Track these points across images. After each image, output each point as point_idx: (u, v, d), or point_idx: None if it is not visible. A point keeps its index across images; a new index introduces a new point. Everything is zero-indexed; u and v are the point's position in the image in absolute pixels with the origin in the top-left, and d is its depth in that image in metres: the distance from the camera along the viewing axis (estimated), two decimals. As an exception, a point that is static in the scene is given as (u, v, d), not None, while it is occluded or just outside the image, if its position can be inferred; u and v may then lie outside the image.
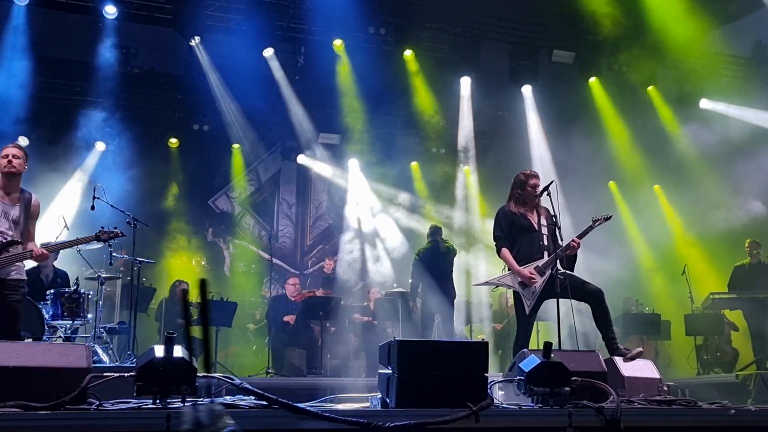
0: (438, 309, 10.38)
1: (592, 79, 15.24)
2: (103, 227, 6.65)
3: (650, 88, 15.66)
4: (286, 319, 10.77)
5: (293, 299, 11.33)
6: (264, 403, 4.01)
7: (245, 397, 4.35)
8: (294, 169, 15.35)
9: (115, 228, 6.80)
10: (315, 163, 15.12)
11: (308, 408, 3.96)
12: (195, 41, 12.85)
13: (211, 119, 13.88)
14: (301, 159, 15.01)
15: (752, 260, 10.84)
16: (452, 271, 10.54)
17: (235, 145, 14.53)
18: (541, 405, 4.40)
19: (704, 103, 15.29)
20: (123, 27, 12.64)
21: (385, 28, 13.32)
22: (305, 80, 14.50)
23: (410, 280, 10.91)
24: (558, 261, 6.32)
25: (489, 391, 4.46)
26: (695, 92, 15.45)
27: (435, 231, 10.80)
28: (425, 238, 11.10)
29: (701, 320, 11.42)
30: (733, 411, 4.52)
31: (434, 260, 10.40)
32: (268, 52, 13.39)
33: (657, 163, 14.83)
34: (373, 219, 15.42)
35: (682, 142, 14.67)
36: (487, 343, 4.57)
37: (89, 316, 8.22)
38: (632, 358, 5.94)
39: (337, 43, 13.90)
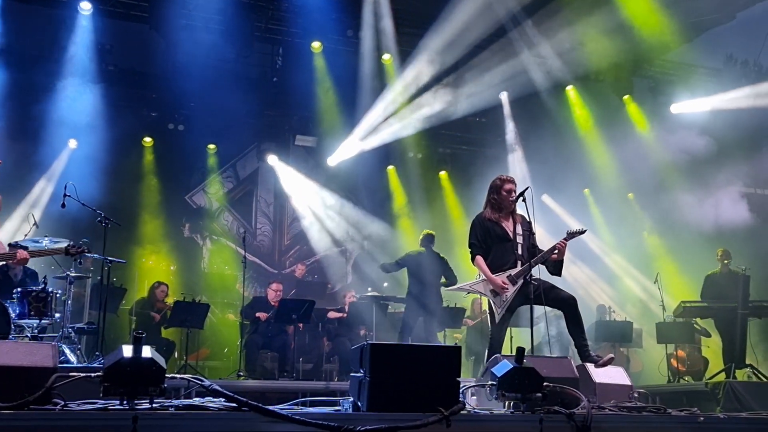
0: (421, 314, 10.37)
1: (569, 88, 15.36)
2: (71, 243, 6.59)
3: (626, 97, 15.83)
4: (258, 315, 10.71)
5: (273, 304, 11.26)
6: (234, 405, 3.96)
7: (215, 399, 4.29)
8: (272, 167, 15.21)
9: (82, 244, 6.76)
10: (281, 166, 14.95)
11: (279, 411, 3.92)
12: (170, 39, 12.74)
13: (187, 119, 13.77)
14: (272, 160, 14.86)
15: (723, 269, 10.95)
16: (440, 282, 10.49)
17: (211, 146, 14.42)
18: (512, 410, 4.40)
19: (675, 108, 15.51)
20: (98, 24, 12.50)
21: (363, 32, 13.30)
22: (283, 82, 14.46)
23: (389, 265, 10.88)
24: (542, 264, 6.35)
25: (461, 395, 4.44)
26: (669, 102, 15.65)
27: (427, 238, 10.78)
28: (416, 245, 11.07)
29: (672, 328, 11.53)
30: (701, 418, 4.56)
31: (422, 266, 10.39)
32: (244, 54, 13.32)
33: (632, 172, 14.96)
34: (347, 224, 15.39)
35: (656, 151, 14.82)
36: (459, 347, 4.57)
37: (57, 315, 8.09)
38: (604, 365, 5.96)
39: (316, 45, 13.88)
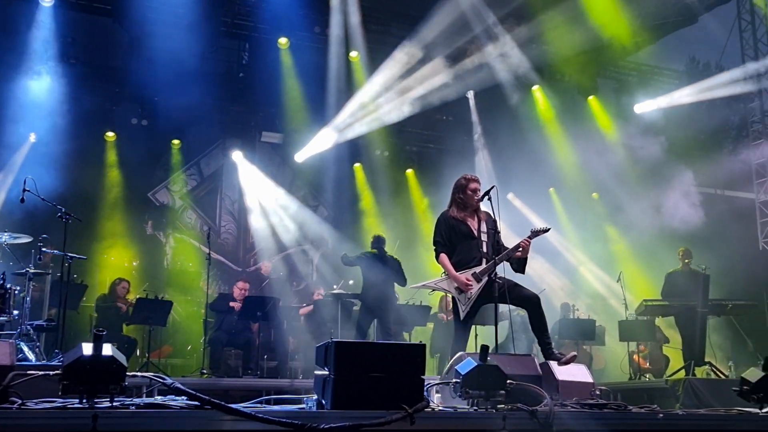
0: (375, 315, 10.41)
1: (535, 87, 15.48)
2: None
3: (591, 97, 16.01)
4: (232, 304, 10.65)
5: (239, 302, 11.19)
6: (196, 403, 3.92)
7: (177, 398, 4.24)
8: (237, 164, 15.06)
9: None
10: (244, 163, 14.79)
11: (241, 409, 3.89)
12: (135, 33, 12.57)
13: (151, 114, 13.60)
14: (236, 156, 14.72)
15: (684, 268, 11.11)
16: (395, 283, 10.55)
17: (175, 141, 14.26)
18: (476, 408, 4.41)
19: (638, 108, 15.74)
20: (60, 16, 12.27)
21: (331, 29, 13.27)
22: (249, 77, 14.36)
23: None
24: (506, 262, 6.38)
25: (426, 393, 4.45)
26: (632, 103, 15.88)
27: (378, 239, 10.81)
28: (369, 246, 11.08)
29: (634, 326, 11.68)
30: (661, 415, 4.62)
31: (374, 268, 10.41)
32: (211, 49, 13.21)
33: (596, 172, 15.13)
34: (313, 221, 15.34)
35: (619, 151, 15.01)
36: (424, 345, 4.56)
37: (15, 312, 7.93)
38: (566, 363, 6.01)
39: (283, 41, 13.80)
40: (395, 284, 10.55)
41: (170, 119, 13.36)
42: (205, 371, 9.84)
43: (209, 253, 10.58)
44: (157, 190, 14.52)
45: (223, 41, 13.83)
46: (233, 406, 3.90)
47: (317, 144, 14.62)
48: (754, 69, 14.74)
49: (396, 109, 14.40)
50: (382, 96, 14.28)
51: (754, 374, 5.03)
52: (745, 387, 5.02)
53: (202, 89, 12.95)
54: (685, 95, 15.41)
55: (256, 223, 14.66)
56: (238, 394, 8.23)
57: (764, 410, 4.94)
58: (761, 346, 13.68)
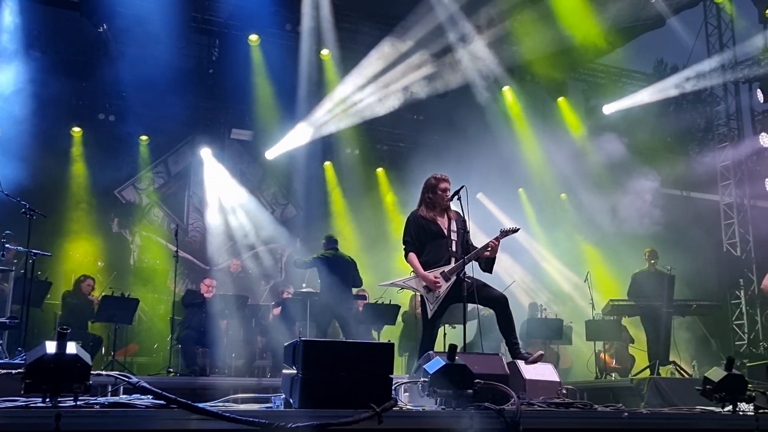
0: (334, 316, 10.42)
1: (505, 88, 15.58)
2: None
3: (560, 99, 16.16)
4: (207, 296, 10.58)
5: (205, 298, 11.09)
6: (162, 402, 3.88)
7: (143, 397, 4.20)
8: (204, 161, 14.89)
9: None
10: (211, 161, 14.61)
11: (208, 408, 3.85)
12: (103, 27, 12.41)
13: (118, 109, 13.43)
14: (205, 153, 14.57)
15: (650, 269, 11.24)
16: (351, 282, 10.58)
17: (143, 137, 14.09)
18: (444, 407, 4.42)
19: (607, 109, 15.92)
20: (26, 9, 12.08)
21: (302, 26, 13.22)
22: (219, 74, 14.25)
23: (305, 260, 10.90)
24: (475, 261, 6.41)
25: (394, 392, 4.45)
26: (601, 105, 16.05)
27: (331, 240, 10.81)
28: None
29: (601, 326, 11.80)
30: (626, 414, 4.67)
31: (332, 269, 10.41)
32: (180, 44, 13.08)
33: (565, 173, 15.26)
34: (269, 222, 15.28)
35: (588, 153, 15.16)
36: (392, 344, 4.56)
37: (-23, 310, 7.80)
38: (534, 362, 6.06)
39: (253, 38, 13.73)
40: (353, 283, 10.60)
41: (138, 115, 13.21)
42: (171, 370, 9.75)
43: (177, 252, 10.48)
44: (124, 187, 14.34)
45: (193, 37, 13.71)
46: (199, 405, 3.86)
47: (289, 141, 14.55)
48: (711, 65, 15.03)
49: (368, 108, 14.40)
50: (356, 94, 14.27)
51: (716, 374, 5.11)
52: (707, 386, 5.10)
53: (171, 85, 12.82)
54: (650, 94, 15.63)
55: (213, 220, 14.52)
56: (205, 393, 8.16)
57: (726, 409, 5.02)
58: (725, 345, 13.95)
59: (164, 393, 3.88)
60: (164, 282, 13.34)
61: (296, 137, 14.50)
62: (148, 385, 4.06)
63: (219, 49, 14.45)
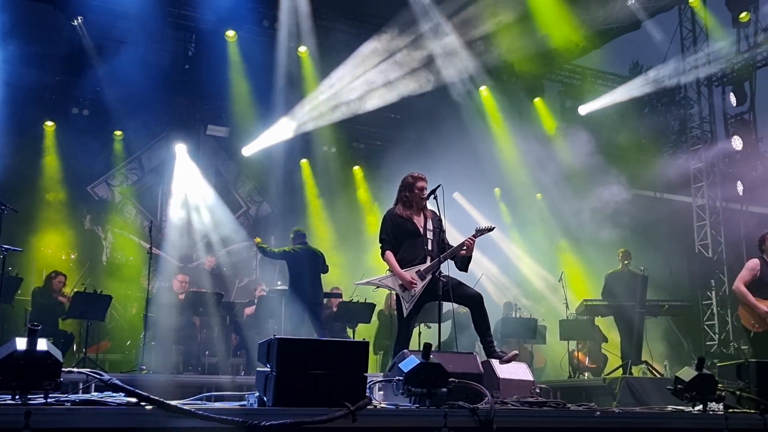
0: (305, 311, 10.41)
1: (483, 88, 15.63)
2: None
3: (537, 99, 16.24)
4: (181, 297, 10.48)
5: (179, 296, 11.01)
6: (134, 400, 3.84)
7: (114, 394, 4.15)
8: (185, 160, 14.72)
9: None
10: (183, 157, 14.45)
11: (181, 406, 3.82)
12: (78, 21, 12.26)
13: (92, 104, 13.29)
14: (180, 149, 14.42)
15: (623, 269, 11.34)
16: (320, 275, 10.62)
17: (117, 132, 13.94)
18: (418, 405, 4.42)
19: (583, 109, 16.04)
20: (-1, 1, 11.93)
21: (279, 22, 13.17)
22: (195, 70, 14.15)
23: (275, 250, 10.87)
24: (451, 260, 6.42)
25: (368, 390, 4.45)
26: (577, 106, 16.16)
27: (301, 234, 10.82)
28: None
29: (575, 326, 11.90)
30: (598, 413, 4.70)
31: (301, 263, 10.43)
32: (156, 39, 12.96)
33: (540, 173, 15.35)
34: (255, 217, 15.19)
35: (563, 153, 15.26)
36: (367, 342, 4.56)
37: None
38: (508, 361, 6.08)
39: (230, 34, 13.65)
40: (322, 277, 10.65)
41: (112, 110, 13.10)
42: (144, 367, 9.67)
43: (150, 249, 10.40)
44: (97, 184, 14.19)
45: (169, 32, 13.60)
46: (172, 402, 3.83)
47: (266, 138, 14.49)
48: (685, 67, 15.22)
49: (347, 107, 14.39)
50: (334, 92, 14.25)
51: (687, 373, 5.16)
52: (679, 386, 5.14)
53: (147, 80, 12.70)
54: (623, 92, 15.79)
55: (176, 216, 14.40)
56: (179, 391, 8.08)
57: (696, 408, 5.07)
58: (696, 346, 14.11)
59: (136, 390, 3.85)
60: (137, 279, 13.22)
61: (274, 134, 14.44)
62: (120, 383, 4.01)
63: (195, 44, 14.35)
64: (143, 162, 14.69)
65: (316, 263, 10.62)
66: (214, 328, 10.91)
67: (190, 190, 14.50)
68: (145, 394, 3.80)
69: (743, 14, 14.54)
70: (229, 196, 15.38)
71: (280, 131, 14.41)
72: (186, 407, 3.79)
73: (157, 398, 3.76)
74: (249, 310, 11.31)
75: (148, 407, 3.74)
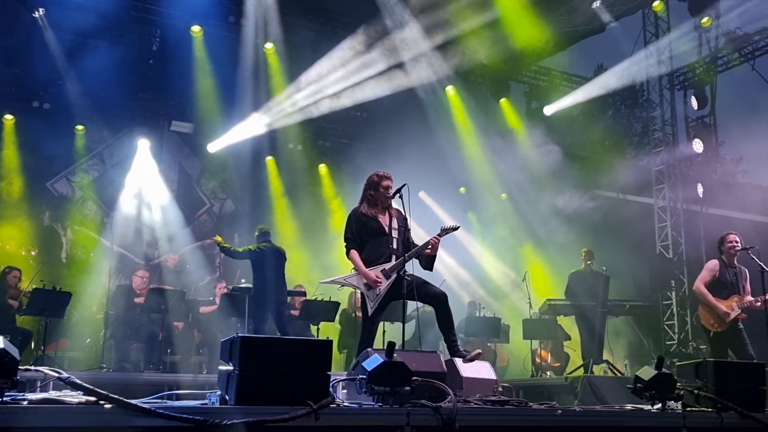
0: (269, 309, 10.40)
1: (449, 88, 15.68)
2: None
3: (502, 100, 16.35)
4: (137, 300, 10.33)
5: (139, 291, 10.86)
6: (93, 399, 3.78)
7: (73, 393, 4.08)
8: (146, 156, 14.49)
9: None
10: (144, 153, 14.23)
11: (141, 404, 3.77)
12: (39, 13, 12.03)
13: (53, 98, 13.05)
14: (142, 145, 14.20)
15: (586, 269, 11.47)
16: (284, 274, 10.60)
17: (79, 127, 13.70)
18: (381, 404, 4.42)
19: (548, 109, 16.18)
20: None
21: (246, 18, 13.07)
22: (160, 65, 13.98)
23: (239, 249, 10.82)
24: (416, 259, 6.43)
25: (332, 389, 4.43)
26: (543, 106, 16.30)
27: (266, 233, 10.78)
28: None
29: (537, 325, 12.00)
30: (559, 411, 4.74)
31: (266, 262, 10.39)
32: (120, 32, 12.77)
33: (505, 173, 15.44)
34: (219, 214, 15.06)
35: (528, 153, 15.38)
36: (331, 341, 4.54)
37: None
38: (471, 360, 6.11)
39: (195, 29, 13.51)
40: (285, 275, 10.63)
41: (74, 105, 12.86)
42: (104, 365, 9.54)
43: (112, 246, 10.26)
44: (57, 179, 13.94)
45: (133, 26, 13.41)
46: (132, 401, 3.77)
47: (233, 135, 14.37)
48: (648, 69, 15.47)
49: (315, 107, 14.35)
50: (301, 91, 14.20)
51: (647, 372, 5.23)
52: (638, 384, 5.21)
53: (110, 75, 12.53)
54: (587, 91, 15.98)
55: (133, 213, 14.21)
56: (139, 389, 8.00)
57: (655, 407, 5.15)
58: (657, 345, 14.33)
59: (95, 389, 3.78)
60: (98, 276, 13.02)
61: (240, 132, 14.33)
62: (78, 381, 3.95)
63: (160, 39, 14.19)
64: (105, 158, 14.45)
65: (281, 261, 10.59)
66: (176, 325, 10.80)
67: (147, 187, 14.28)
68: (104, 392, 3.74)
69: (705, 19, 14.79)
70: (192, 193, 15.23)
71: (247, 129, 14.30)
72: (146, 406, 3.74)
73: (116, 397, 3.70)
74: (205, 309, 11.17)
75: (108, 406, 3.68)
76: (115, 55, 13.06)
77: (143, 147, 14.14)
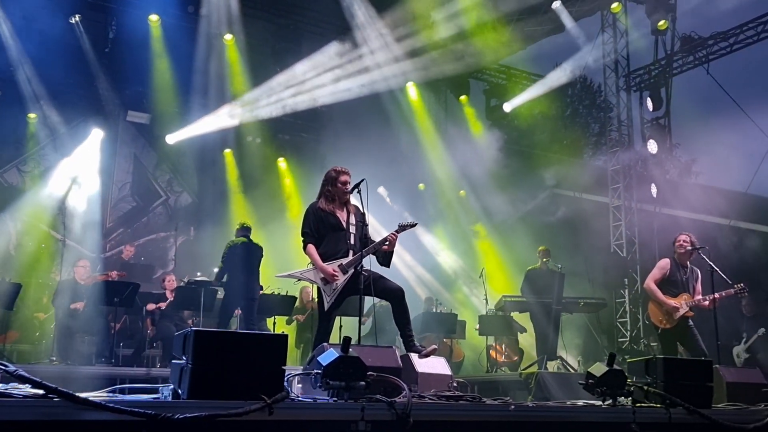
0: (241, 304, 10.33)
1: (409, 84, 15.70)
2: None
3: (462, 97, 16.42)
4: (73, 306, 10.06)
5: (82, 283, 10.61)
6: (41, 392, 3.70)
7: (21, 386, 3.99)
8: (96, 146, 14.22)
9: None
10: (96, 146, 13.99)
11: (91, 398, 3.70)
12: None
13: (5, 85, 12.73)
14: (96, 135, 13.95)
15: (542, 266, 11.59)
16: (259, 269, 10.55)
17: (31, 115, 13.37)
18: (336, 399, 4.41)
19: (508, 106, 16.32)
20: None
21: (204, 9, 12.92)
22: (116, 54, 13.73)
23: (217, 269, 10.68)
24: (373, 255, 6.42)
25: (287, 384, 4.41)
26: (502, 104, 16.42)
27: (245, 228, 10.70)
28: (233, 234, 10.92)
29: (493, 321, 12.09)
30: (512, 407, 4.78)
31: (243, 256, 10.31)
32: (75, 19, 12.50)
33: (464, 170, 15.53)
34: (174, 207, 14.88)
35: (487, 151, 15.48)
36: (286, 335, 4.51)
37: None
38: (426, 355, 6.12)
39: (153, 18, 13.31)
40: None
41: (26, 92, 12.57)
42: (54, 358, 9.35)
43: (63, 239, 10.05)
44: (6, 169, 13.62)
45: (89, 13, 13.15)
46: (81, 395, 3.70)
47: (194, 128, 14.20)
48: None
49: (278, 104, 14.27)
50: (256, 84, 14.10)
51: (598, 369, 5.31)
52: (590, 381, 5.29)
53: (64, 62, 12.27)
54: (545, 85, 16.18)
55: (123, 206, 13.97)
56: (90, 383, 7.86)
57: (606, 402, 5.22)
58: (610, 342, 14.55)
59: (44, 382, 3.70)
60: (48, 269, 12.75)
61: (201, 126, 14.17)
62: (26, 374, 3.86)
63: (117, 27, 13.92)
64: (58, 147, 14.09)
65: (257, 258, 10.52)
66: (129, 319, 10.63)
67: (94, 179, 14.00)
68: (53, 385, 3.66)
69: (662, 22, 15.06)
70: (147, 185, 15.00)
71: (210, 123, 14.15)
72: (96, 399, 3.67)
73: (65, 390, 3.63)
74: (152, 307, 10.94)
75: (56, 399, 3.61)
76: (70, 42, 12.79)
77: (96, 137, 13.84)
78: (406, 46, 14.54)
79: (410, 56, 14.78)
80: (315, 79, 14.38)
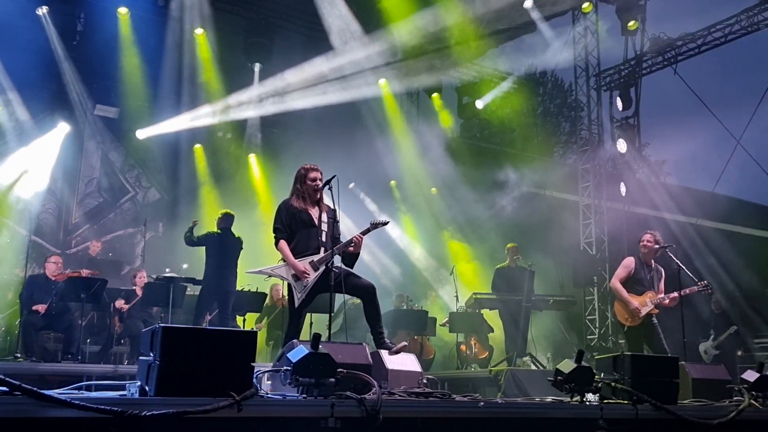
0: (216, 297, 10.25)
1: (381, 81, 15.69)
2: None
3: (434, 95, 16.46)
4: (35, 308, 9.88)
5: (53, 278, 10.45)
6: (4, 389, 3.63)
7: (-16, 383, 3.91)
8: (62, 140, 13.94)
9: None
10: (59, 139, 13.69)
11: (56, 395, 3.64)
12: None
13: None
14: (61, 129, 13.65)
15: (512, 264, 11.67)
16: (237, 263, 10.45)
17: (-3, 108, 13.15)
18: (305, 395, 4.39)
19: (480, 102, 16.36)
20: None
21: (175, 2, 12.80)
22: (84, 46, 13.54)
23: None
24: (339, 256, 6.40)
25: (256, 381, 4.38)
26: (474, 102, 16.48)
27: (227, 218, 10.61)
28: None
29: (464, 318, 12.14)
30: (482, 403, 4.80)
31: (221, 248, 10.24)
32: (42, 11, 12.30)
33: (435, 167, 15.56)
34: (143, 203, 14.72)
35: (458, 149, 15.54)
36: (255, 332, 4.49)
37: None
38: (397, 352, 6.13)
39: (123, 11, 13.15)
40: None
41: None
42: (18, 355, 9.21)
43: (29, 236, 9.87)
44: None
45: (57, 6, 12.93)
46: (47, 392, 3.64)
47: (166, 126, 14.05)
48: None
49: (253, 103, 14.20)
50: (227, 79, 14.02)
51: (567, 365, 5.35)
52: (559, 377, 5.33)
53: (31, 55, 12.05)
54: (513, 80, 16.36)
55: (89, 201, 13.76)
56: (56, 380, 7.76)
57: (574, 399, 5.27)
58: (580, 339, 14.71)
59: (7, 379, 3.64)
60: (11, 263, 12.51)
61: (173, 124, 14.04)
62: (-11, 371, 3.80)
63: (85, 19, 13.72)
64: (23, 141, 13.79)
65: (236, 250, 10.42)
66: (96, 315, 10.49)
67: (46, 172, 13.74)
68: (17, 382, 3.60)
69: (632, 23, 15.23)
70: (115, 180, 14.81)
71: (181, 122, 14.03)
72: (62, 396, 3.61)
73: (29, 387, 3.57)
74: (120, 304, 10.81)
75: (20, 396, 3.54)
76: (38, 34, 12.57)
77: (60, 131, 13.61)
78: (380, 43, 14.53)
79: (383, 53, 14.76)
80: (288, 80, 14.32)
